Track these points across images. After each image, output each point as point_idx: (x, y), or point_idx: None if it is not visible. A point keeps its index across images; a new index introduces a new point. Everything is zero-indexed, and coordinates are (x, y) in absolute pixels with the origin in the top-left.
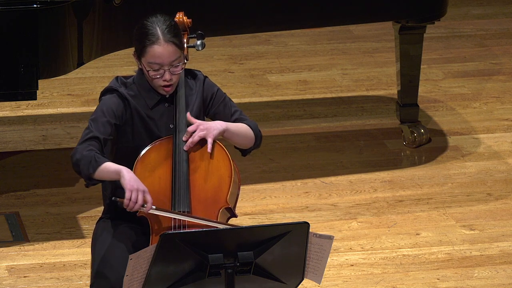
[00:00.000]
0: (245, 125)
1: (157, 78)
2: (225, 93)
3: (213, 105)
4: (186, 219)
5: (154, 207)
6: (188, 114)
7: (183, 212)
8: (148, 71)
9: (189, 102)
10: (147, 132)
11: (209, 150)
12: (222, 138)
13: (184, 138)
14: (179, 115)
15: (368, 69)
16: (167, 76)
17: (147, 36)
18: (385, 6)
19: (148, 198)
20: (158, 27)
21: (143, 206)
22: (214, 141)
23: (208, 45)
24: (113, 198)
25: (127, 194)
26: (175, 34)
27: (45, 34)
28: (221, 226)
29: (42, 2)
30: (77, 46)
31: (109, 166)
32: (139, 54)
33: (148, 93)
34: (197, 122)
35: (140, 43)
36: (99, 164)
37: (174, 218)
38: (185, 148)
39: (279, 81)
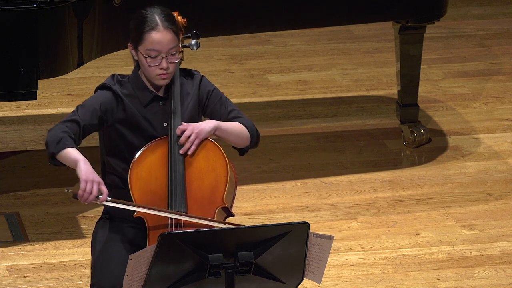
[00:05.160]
0: (240, 124)
1: (154, 66)
2: (222, 92)
3: (209, 104)
4: (144, 211)
5: (109, 198)
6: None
7: (179, 212)
8: (145, 58)
9: (184, 101)
10: (142, 130)
11: (189, 152)
12: (216, 138)
13: (181, 142)
14: (174, 114)
15: (368, 69)
16: (164, 64)
17: (146, 23)
18: (385, 6)
19: (104, 189)
20: (156, 15)
21: (97, 197)
22: (208, 140)
23: (208, 45)
24: (65, 189)
25: (82, 185)
26: (173, 22)
27: (45, 34)
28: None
29: (42, 2)
30: (77, 46)
31: (71, 152)
32: (137, 43)
33: (142, 92)
34: (189, 125)
35: (138, 30)
36: (64, 147)
37: (170, 218)
38: (181, 152)
39: (279, 81)
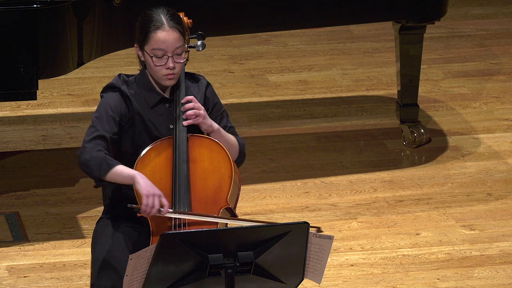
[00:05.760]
0: (234, 138)
1: (161, 66)
2: (223, 105)
3: (210, 115)
4: (204, 219)
5: (171, 210)
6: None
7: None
8: (151, 57)
9: None
10: (147, 131)
11: (185, 123)
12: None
13: (182, 109)
14: (179, 117)
15: (368, 69)
16: (170, 63)
17: (152, 22)
18: (385, 6)
19: (164, 201)
20: (162, 14)
21: (159, 210)
22: (213, 141)
23: (208, 45)
24: (129, 205)
25: (144, 200)
26: (179, 22)
27: (45, 34)
28: (238, 223)
29: (42, 2)
30: (77, 46)
31: (122, 170)
32: (142, 43)
33: (148, 93)
34: (196, 102)
35: (144, 30)
36: (111, 167)
37: (173, 218)
38: (184, 117)
39: (279, 81)
